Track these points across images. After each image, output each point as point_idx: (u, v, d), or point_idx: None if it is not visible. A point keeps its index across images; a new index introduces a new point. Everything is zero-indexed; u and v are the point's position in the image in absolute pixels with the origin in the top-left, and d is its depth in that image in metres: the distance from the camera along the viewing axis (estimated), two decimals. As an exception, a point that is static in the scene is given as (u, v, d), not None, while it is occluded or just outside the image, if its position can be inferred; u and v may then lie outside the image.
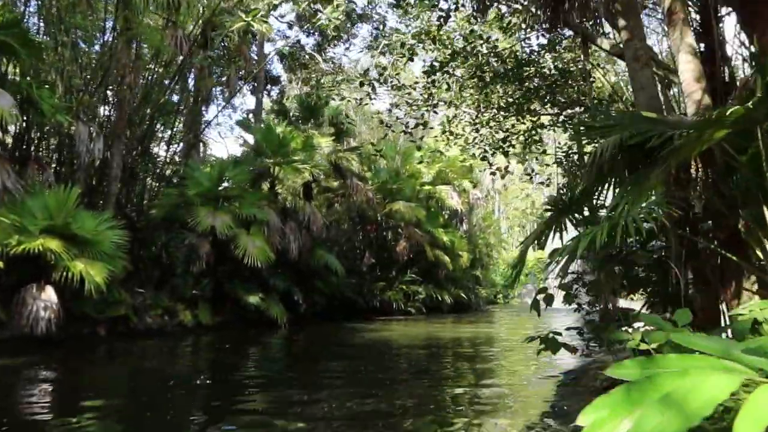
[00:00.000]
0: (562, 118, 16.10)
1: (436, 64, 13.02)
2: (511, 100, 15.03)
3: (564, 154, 18.95)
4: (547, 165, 20.40)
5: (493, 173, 17.30)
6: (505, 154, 16.75)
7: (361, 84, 12.08)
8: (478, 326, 18.11)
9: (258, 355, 10.84)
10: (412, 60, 13.42)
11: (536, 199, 40.27)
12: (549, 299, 6.38)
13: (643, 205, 4.39)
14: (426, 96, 15.16)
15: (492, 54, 13.53)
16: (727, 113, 3.61)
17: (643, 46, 5.53)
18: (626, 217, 4.17)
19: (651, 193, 4.48)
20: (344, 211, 21.58)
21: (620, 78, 19.04)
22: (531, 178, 19.38)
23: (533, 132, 16.58)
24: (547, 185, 21.47)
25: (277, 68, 25.10)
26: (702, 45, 6.71)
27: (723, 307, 4.86)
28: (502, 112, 15.82)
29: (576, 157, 18.92)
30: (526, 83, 14.09)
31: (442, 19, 11.68)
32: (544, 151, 17.72)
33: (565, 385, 5.83)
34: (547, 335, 6.00)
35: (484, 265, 29.57)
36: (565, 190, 6.65)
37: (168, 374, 7.91)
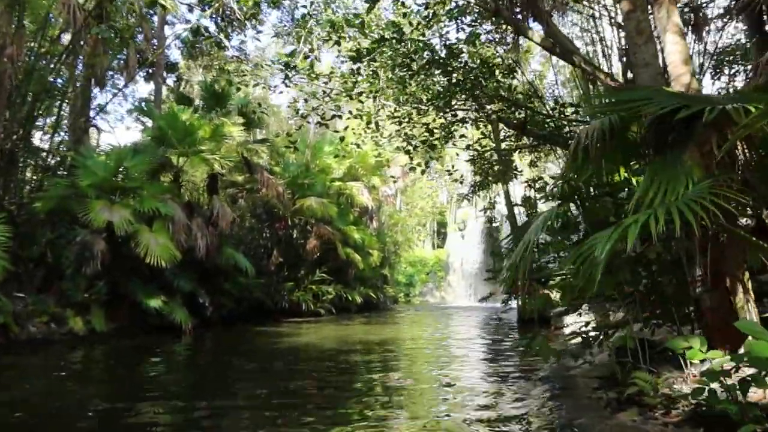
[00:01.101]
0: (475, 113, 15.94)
1: (363, 50, 12.29)
2: (435, 92, 14.61)
3: (477, 150, 18.92)
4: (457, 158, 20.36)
5: (412, 168, 16.80)
6: (407, 152, 16.42)
7: (287, 66, 11.05)
8: (390, 327, 17.60)
9: (158, 366, 9.48)
10: (338, 44, 12.61)
11: (441, 197, 40.67)
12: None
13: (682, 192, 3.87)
14: (347, 85, 14.43)
15: (421, 42, 12.98)
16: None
17: (646, 18, 5.11)
18: (665, 206, 3.66)
19: (690, 179, 3.99)
20: (249, 207, 20.35)
21: (536, 75, 19.32)
22: (450, 173, 19.14)
23: (452, 127, 16.32)
24: (461, 182, 21.39)
25: (176, 54, 23.33)
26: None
27: (749, 306, 4.49)
28: (423, 106, 15.38)
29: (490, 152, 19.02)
30: (453, 74, 13.68)
31: (371, 2, 10.95)
32: (468, 146, 17.49)
33: (558, 397, 5.30)
34: (539, 341, 5.48)
35: (392, 264, 29.22)
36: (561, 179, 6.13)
37: (51, 401, 6.29)
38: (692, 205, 3.55)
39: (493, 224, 25.48)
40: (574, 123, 17.70)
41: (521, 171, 21.00)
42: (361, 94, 14.71)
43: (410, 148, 16.78)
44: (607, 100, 5.57)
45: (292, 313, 18.87)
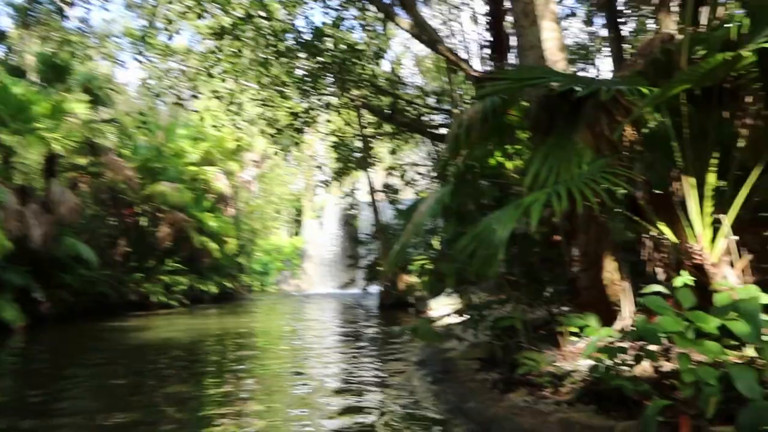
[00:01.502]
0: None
1: (225, 27, 11.58)
2: (300, 75, 14.19)
3: (340, 136, 18.79)
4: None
5: (276, 153, 16.28)
6: (272, 136, 15.93)
7: (140, 39, 10.06)
8: (248, 317, 16.89)
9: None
10: (201, 17, 11.75)
11: (298, 184, 40.02)
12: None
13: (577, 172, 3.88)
14: (206, 64, 13.57)
15: (287, 23, 12.50)
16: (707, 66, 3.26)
17: (532, 1, 5.14)
18: (564, 185, 3.64)
19: (582, 159, 4.01)
20: (94, 192, 18.56)
21: (395, 63, 19.47)
22: (314, 158, 18.84)
23: (314, 112, 16.00)
24: (320, 167, 21.16)
25: (6, 22, 20.60)
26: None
27: (626, 284, 4.65)
28: (287, 89, 14.89)
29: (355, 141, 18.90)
30: (319, 56, 13.34)
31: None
32: (333, 132, 17.23)
33: (442, 381, 5.20)
34: (425, 325, 5.35)
35: (248, 252, 28.29)
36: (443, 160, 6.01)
37: None
38: (591, 185, 3.57)
39: (353, 211, 25.60)
40: (435, 111, 18.18)
41: (382, 158, 21.22)
42: (223, 73, 13.93)
43: (273, 132, 16.25)
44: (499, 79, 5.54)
45: (140, 307, 17.51)
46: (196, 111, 14.86)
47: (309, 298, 26.16)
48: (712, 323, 2.87)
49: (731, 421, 2.73)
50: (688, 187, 4.22)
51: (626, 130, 4.19)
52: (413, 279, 16.90)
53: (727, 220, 4.13)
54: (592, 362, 4.36)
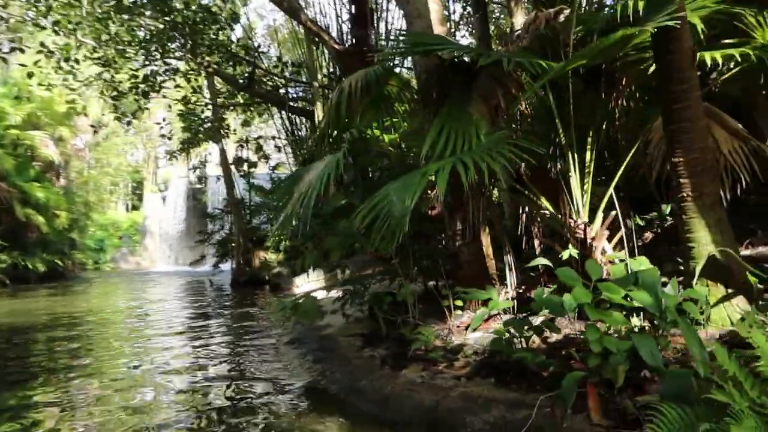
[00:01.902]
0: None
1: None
2: (143, 36, 12.98)
3: (187, 105, 17.64)
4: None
5: (117, 118, 14.83)
6: (114, 99, 14.56)
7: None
8: (82, 298, 15.38)
9: None
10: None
11: (138, 155, 37.43)
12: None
13: (476, 143, 3.79)
14: (33, 13, 11.93)
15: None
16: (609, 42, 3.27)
17: None
18: (464, 157, 3.53)
19: (478, 131, 3.93)
20: None
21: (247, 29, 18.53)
22: (161, 126, 17.42)
23: (160, 78, 14.79)
24: (169, 138, 19.76)
25: None
26: None
27: (510, 257, 4.69)
28: (131, 49, 13.58)
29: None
30: (169, 15, 12.29)
31: None
32: (184, 98, 16.06)
33: (325, 360, 4.94)
34: (308, 302, 5.06)
35: (81, 227, 25.84)
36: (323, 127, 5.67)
37: None
38: (496, 156, 3.51)
39: (200, 185, 24.26)
40: (294, 83, 17.66)
41: (234, 130, 20.29)
42: (54, 25, 12.35)
43: (113, 96, 14.81)
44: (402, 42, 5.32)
45: (-50, 288, 15.34)
46: (22, 65, 13.04)
47: (151, 276, 24.50)
48: (618, 294, 2.93)
49: (638, 390, 2.82)
50: (570, 163, 4.35)
51: (521, 104, 4.21)
52: (270, 255, 16.46)
53: (606, 196, 4.33)
54: (479, 335, 4.41)
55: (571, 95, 4.17)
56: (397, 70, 10.55)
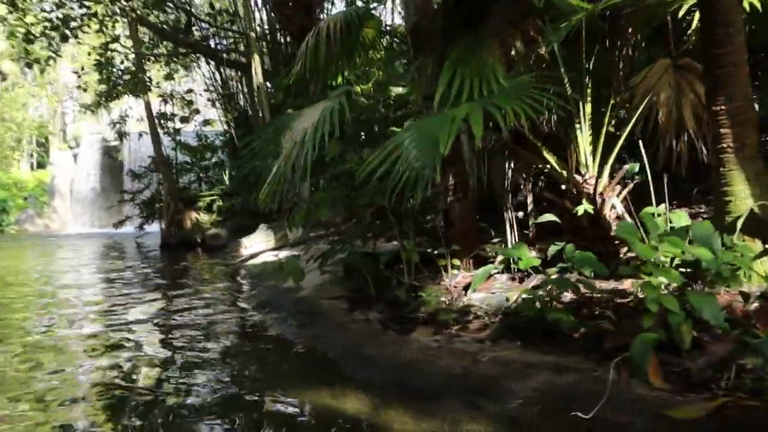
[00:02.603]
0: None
1: None
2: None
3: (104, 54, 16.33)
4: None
5: (28, 64, 13.46)
6: (26, 41, 13.18)
7: None
8: None
9: None
10: None
11: (43, 110, 34.76)
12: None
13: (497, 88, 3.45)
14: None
15: None
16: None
17: None
18: (493, 101, 3.19)
19: (496, 77, 3.59)
20: None
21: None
22: (79, 75, 15.99)
23: (74, 23, 13.53)
24: (84, 89, 18.29)
25: None
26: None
27: (509, 214, 4.43)
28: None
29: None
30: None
31: None
32: (107, 45, 14.75)
33: (311, 326, 4.56)
34: (287, 261, 4.61)
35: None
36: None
37: None
38: (526, 99, 3.20)
39: (117, 142, 22.61)
40: (230, 34, 16.62)
41: (157, 83, 18.99)
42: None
43: (18, 42, 13.42)
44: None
45: None
46: None
47: (64, 239, 22.86)
48: (680, 248, 2.73)
49: (699, 352, 2.66)
50: (581, 114, 4.13)
51: (541, 49, 3.92)
52: (203, 216, 15.67)
53: (616, 148, 4.15)
54: (483, 296, 4.17)
55: (586, 41, 3.93)
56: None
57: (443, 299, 4.30)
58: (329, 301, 4.96)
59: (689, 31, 5.24)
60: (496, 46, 3.77)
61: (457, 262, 4.55)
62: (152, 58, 17.89)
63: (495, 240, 5.40)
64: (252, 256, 9.20)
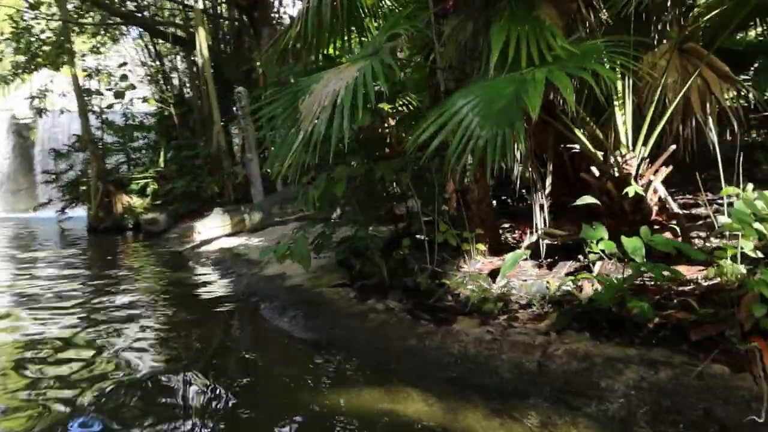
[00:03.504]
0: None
1: None
2: None
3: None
4: None
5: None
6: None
7: None
8: None
9: None
10: None
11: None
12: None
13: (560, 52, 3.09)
14: None
15: None
16: None
17: None
18: (578, 64, 2.82)
19: (556, 39, 3.23)
20: None
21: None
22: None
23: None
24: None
25: None
26: None
27: (539, 196, 4.10)
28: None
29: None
30: None
31: None
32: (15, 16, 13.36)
33: (319, 317, 4.07)
34: (300, 243, 4.09)
35: None
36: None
37: None
38: (604, 64, 2.87)
39: (40, 118, 20.73)
40: (168, 5, 15.52)
41: (83, 56, 17.56)
42: None
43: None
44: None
45: None
46: None
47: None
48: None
49: None
50: (624, 90, 3.87)
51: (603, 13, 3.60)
52: (135, 200, 14.61)
53: (659, 126, 3.92)
54: (519, 283, 3.85)
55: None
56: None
57: (471, 287, 3.94)
58: (330, 289, 4.50)
59: (690, 15, 5.12)
60: (552, 6, 3.43)
61: (482, 246, 4.20)
62: (78, 28, 16.52)
63: (504, 224, 5.10)
64: (205, 242, 8.52)
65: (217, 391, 2.84)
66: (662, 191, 3.84)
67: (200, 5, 12.85)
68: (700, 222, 4.62)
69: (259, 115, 3.88)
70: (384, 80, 3.24)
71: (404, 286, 4.14)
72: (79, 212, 15.80)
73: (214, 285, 5.87)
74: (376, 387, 2.83)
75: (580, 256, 4.03)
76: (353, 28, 5.31)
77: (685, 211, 4.65)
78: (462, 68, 4.20)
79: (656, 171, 3.83)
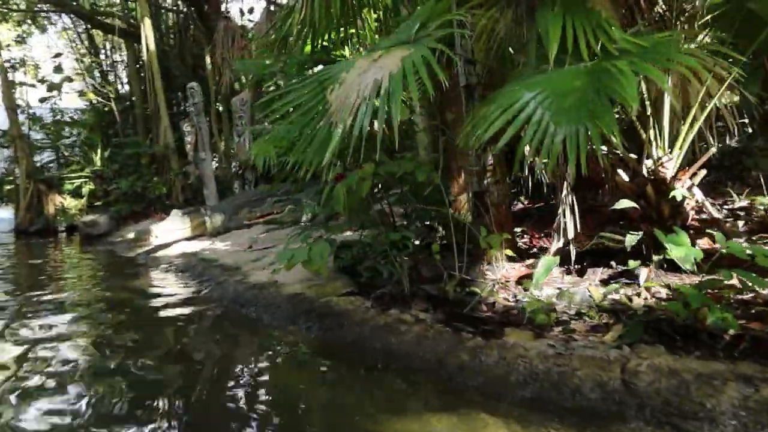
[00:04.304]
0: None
1: None
2: None
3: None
4: None
5: None
6: None
7: None
8: None
9: None
10: None
11: None
12: None
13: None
14: None
15: None
16: None
17: None
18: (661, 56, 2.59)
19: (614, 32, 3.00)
20: None
21: None
22: None
23: None
24: None
25: None
26: None
27: (571, 197, 3.87)
28: None
29: None
30: None
31: None
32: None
33: (337, 329, 3.69)
34: (320, 246, 3.70)
35: None
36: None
37: None
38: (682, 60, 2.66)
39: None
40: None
41: (8, 46, 16.26)
42: None
43: None
44: None
45: None
46: None
47: None
48: None
49: None
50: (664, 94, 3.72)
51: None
52: (69, 201, 13.60)
53: (695, 126, 3.79)
54: (552, 291, 3.63)
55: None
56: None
57: (504, 295, 3.69)
58: (340, 298, 4.13)
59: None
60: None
61: (510, 252, 3.96)
62: (1, 15, 15.29)
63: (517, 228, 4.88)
64: (161, 247, 7.92)
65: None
66: (699, 195, 3.72)
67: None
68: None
69: (274, 108, 3.47)
70: (427, 74, 2.92)
71: (427, 294, 3.84)
72: (4, 213, 14.64)
73: (193, 297, 5.36)
74: (444, 413, 2.51)
75: (612, 262, 3.86)
76: (357, 17, 4.98)
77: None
78: (485, 62, 3.95)
79: (694, 174, 3.69)
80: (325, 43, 5.09)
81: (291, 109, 3.40)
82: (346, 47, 5.31)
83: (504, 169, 4.25)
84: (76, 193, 13.76)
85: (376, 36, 5.14)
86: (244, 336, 4.09)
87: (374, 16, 5.12)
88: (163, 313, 4.78)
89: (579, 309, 3.30)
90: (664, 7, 3.43)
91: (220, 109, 12.96)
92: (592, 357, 2.73)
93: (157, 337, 4.15)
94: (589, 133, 2.50)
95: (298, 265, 5.30)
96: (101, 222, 11.39)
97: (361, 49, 5.22)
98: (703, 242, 3.68)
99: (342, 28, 4.93)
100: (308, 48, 5.15)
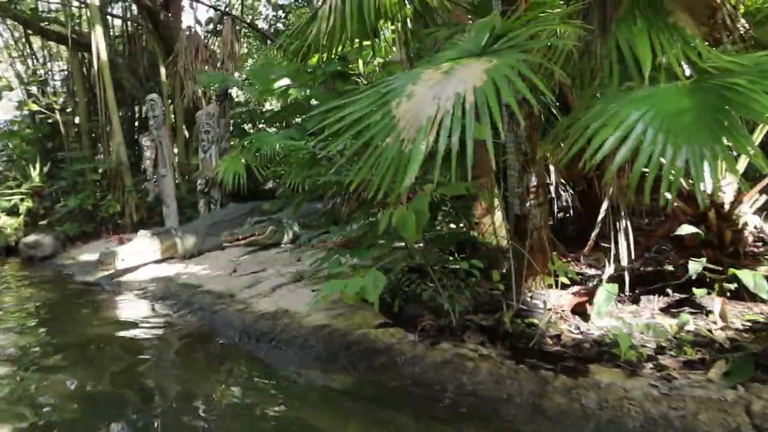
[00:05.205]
0: None
1: None
2: None
3: None
4: None
5: None
6: None
7: None
8: None
9: None
10: None
11: None
12: None
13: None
14: None
15: None
16: None
17: None
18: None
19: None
20: None
21: None
22: None
23: None
24: None
25: None
26: None
27: (624, 222, 3.67)
28: None
29: None
30: None
31: None
32: None
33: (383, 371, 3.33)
34: (375, 275, 3.33)
35: None
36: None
37: None
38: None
39: None
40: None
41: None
42: None
43: None
44: None
45: None
46: None
47: None
48: None
49: None
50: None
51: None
52: (5, 220, 12.51)
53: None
54: (613, 323, 3.42)
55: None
56: None
57: (565, 327, 3.45)
58: (377, 330, 3.78)
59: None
60: (687, 15, 3.07)
61: (565, 279, 3.73)
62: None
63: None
64: (127, 271, 7.30)
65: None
66: (757, 220, 3.62)
67: (96, 1, 11.32)
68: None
69: (327, 122, 3.12)
70: (509, 91, 2.67)
71: (480, 326, 3.55)
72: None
73: (189, 329, 4.86)
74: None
75: (669, 290, 3.69)
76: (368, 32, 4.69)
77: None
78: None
79: (755, 199, 3.59)
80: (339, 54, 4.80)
81: (353, 124, 3.05)
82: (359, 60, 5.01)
83: (546, 190, 4.04)
84: (12, 212, 12.70)
85: (394, 48, 4.87)
86: (279, 380, 3.66)
87: (391, 27, 4.86)
88: (166, 357, 4.27)
89: (658, 342, 3.10)
90: (746, 25, 3.32)
91: (176, 122, 12.32)
92: (708, 398, 2.51)
93: (172, 386, 3.66)
94: (719, 153, 2.30)
95: (306, 290, 4.94)
96: (45, 243, 10.49)
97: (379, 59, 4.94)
98: (764, 269, 3.56)
99: (357, 40, 4.65)
100: (314, 60, 4.85)
